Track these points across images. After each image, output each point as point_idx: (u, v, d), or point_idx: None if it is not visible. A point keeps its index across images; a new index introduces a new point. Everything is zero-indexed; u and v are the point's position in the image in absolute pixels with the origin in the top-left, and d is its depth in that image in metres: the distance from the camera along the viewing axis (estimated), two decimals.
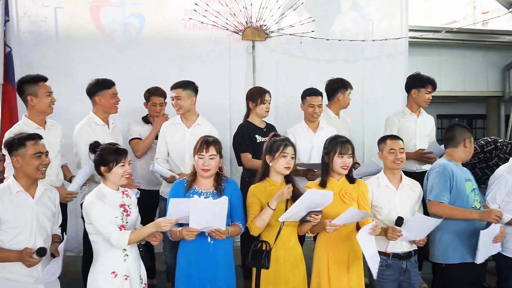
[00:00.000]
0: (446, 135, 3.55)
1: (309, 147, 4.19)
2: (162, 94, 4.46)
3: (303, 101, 4.26)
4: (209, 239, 2.96)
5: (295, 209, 2.85)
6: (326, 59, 5.69)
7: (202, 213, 2.75)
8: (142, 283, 2.98)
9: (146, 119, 4.50)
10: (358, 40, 5.77)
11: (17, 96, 3.94)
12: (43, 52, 4.91)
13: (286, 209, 2.93)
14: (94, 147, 3.00)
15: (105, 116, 3.93)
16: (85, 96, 3.95)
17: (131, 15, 5.17)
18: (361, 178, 3.46)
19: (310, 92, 4.24)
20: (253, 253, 3.01)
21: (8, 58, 4.62)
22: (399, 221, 3.06)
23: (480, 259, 3.26)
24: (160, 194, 4.05)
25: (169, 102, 4.11)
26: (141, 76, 5.00)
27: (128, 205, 2.94)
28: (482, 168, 4.49)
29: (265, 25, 5.48)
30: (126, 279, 2.85)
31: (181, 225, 2.86)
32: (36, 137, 2.86)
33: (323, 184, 3.19)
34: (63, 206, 3.60)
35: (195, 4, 5.23)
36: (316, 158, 4.13)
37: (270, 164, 3.11)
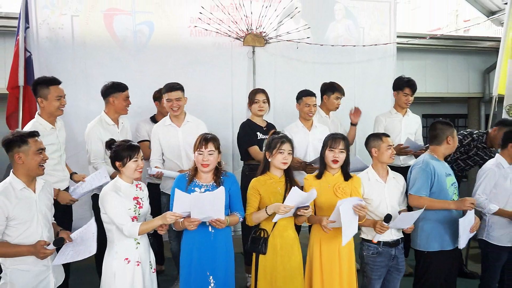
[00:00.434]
0: (430, 133, 3.56)
1: (305, 143, 4.17)
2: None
3: (299, 101, 4.25)
4: (210, 229, 2.97)
5: (290, 203, 2.89)
6: (321, 63, 5.69)
7: (202, 204, 2.76)
8: (151, 268, 2.99)
9: (154, 119, 4.49)
10: (350, 45, 5.77)
11: None
12: (60, 56, 4.90)
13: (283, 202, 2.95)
14: (109, 144, 3.00)
15: (115, 117, 3.93)
16: (100, 97, 3.95)
17: (141, 22, 5.16)
18: None
19: (306, 93, 4.23)
20: (252, 240, 3.05)
21: (28, 62, 4.60)
22: (387, 219, 3.08)
23: (462, 244, 3.29)
24: (161, 190, 4.03)
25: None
26: (151, 78, 4.99)
27: (141, 198, 2.95)
28: (463, 160, 4.51)
29: (264, 32, 5.47)
30: (138, 265, 2.87)
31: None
32: (36, 134, 2.75)
33: (319, 176, 3.22)
34: (69, 207, 3.64)
35: (200, 13, 5.23)
36: (311, 154, 4.13)
37: (270, 160, 3.12)
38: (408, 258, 3.95)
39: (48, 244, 2.67)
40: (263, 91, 4.23)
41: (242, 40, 5.42)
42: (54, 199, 3.03)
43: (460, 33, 7.47)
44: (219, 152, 3.05)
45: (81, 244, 2.75)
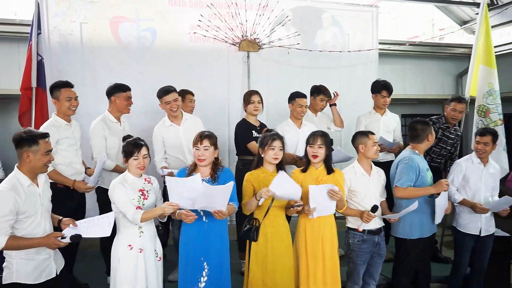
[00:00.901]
0: (410, 132, 3.56)
1: (295, 140, 4.16)
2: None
3: (292, 102, 4.24)
4: (204, 219, 2.96)
5: (274, 187, 2.90)
6: (309, 67, 5.67)
7: (211, 195, 2.74)
8: (157, 256, 2.97)
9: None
10: (336, 51, 5.77)
11: (48, 97, 3.94)
12: (70, 60, 4.85)
13: None
14: (125, 138, 3.03)
15: (118, 115, 3.92)
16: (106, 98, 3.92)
17: (145, 29, 5.12)
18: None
19: (299, 95, 4.23)
20: (245, 228, 3.03)
21: (40, 65, 4.55)
22: (374, 209, 3.11)
23: (437, 220, 3.41)
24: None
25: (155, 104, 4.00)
26: (153, 80, 4.93)
27: (147, 190, 2.92)
28: (436, 144, 4.55)
29: (258, 38, 5.45)
30: (140, 252, 2.85)
31: None
32: (47, 135, 2.67)
33: (304, 170, 3.24)
34: (82, 195, 3.71)
35: (199, 20, 5.20)
36: (301, 150, 4.07)
37: (262, 156, 3.11)
38: (388, 245, 3.96)
39: (61, 237, 2.60)
40: (257, 93, 4.20)
41: (238, 45, 5.40)
42: (71, 189, 3.30)
43: (436, 40, 7.46)
44: (216, 148, 3.02)
45: (95, 226, 2.71)
